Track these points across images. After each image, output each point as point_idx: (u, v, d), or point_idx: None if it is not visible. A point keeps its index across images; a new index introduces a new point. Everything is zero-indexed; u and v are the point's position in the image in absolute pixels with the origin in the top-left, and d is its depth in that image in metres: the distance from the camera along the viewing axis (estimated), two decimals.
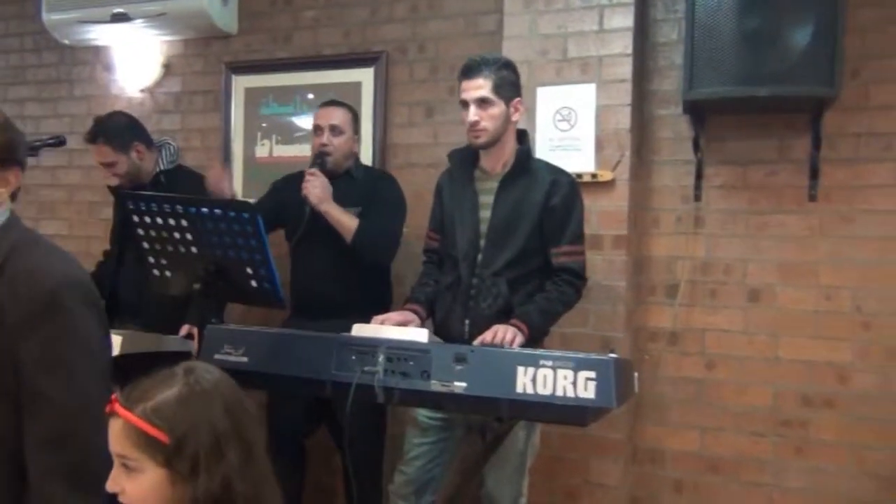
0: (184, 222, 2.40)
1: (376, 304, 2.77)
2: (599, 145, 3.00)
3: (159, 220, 2.44)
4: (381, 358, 1.93)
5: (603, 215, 3.00)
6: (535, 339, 2.33)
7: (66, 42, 4.18)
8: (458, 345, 1.96)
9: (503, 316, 2.35)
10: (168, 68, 4.06)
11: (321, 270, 2.99)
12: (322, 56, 3.70)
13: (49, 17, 4.05)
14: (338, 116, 3.02)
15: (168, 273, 2.55)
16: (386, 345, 1.94)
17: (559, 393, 1.79)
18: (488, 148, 2.42)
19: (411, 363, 1.89)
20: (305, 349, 2.04)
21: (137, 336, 2.69)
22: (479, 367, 1.83)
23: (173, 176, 3.20)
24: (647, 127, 3.14)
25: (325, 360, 1.99)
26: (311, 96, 3.68)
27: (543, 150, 3.05)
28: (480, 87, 2.35)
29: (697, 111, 2.95)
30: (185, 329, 2.85)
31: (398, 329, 2.05)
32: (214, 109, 3.95)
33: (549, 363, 1.79)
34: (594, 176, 2.98)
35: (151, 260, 2.55)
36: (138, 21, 3.85)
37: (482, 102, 2.35)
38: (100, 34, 4.03)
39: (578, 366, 1.81)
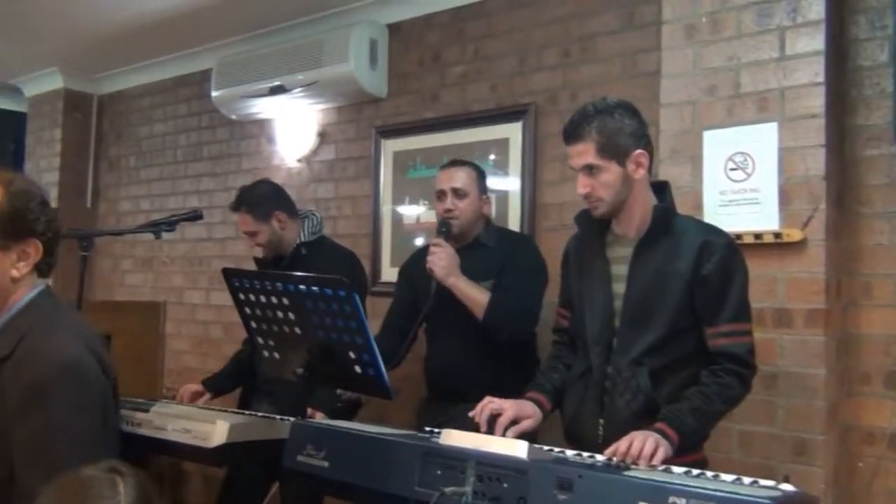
0: (285, 300, 2.19)
1: (520, 384, 2.37)
2: (785, 198, 2.42)
3: (262, 299, 2.25)
4: (470, 475, 1.54)
5: (792, 284, 2.40)
6: (686, 447, 1.81)
7: (234, 117, 4.30)
8: (564, 464, 1.51)
9: (645, 416, 1.86)
10: (323, 137, 4.02)
11: (452, 350, 2.67)
12: (468, 113, 3.45)
13: (217, 94, 4.18)
14: (460, 178, 2.71)
15: (276, 355, 2.35)
16: (477, 459, 1.55)
17: None
18: (612, 217, 1.99)
19: (505, 485, 1.48)
20: (389, 457, 1.70)
21: (250, 422, 2.50)
22: (587, 498, 1.38)
23: (315, 248, 3.05)
24: (850, 172, 2.50)
25: (409, 473, 1.63)
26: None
27: (712, 207, 2.52)
28: (582, 153, 1.93)
29: None
30: (308, 413, 2.63)
31: (495, 440, 1.64)
32: (365, 176, 3.83)
33: (683, 501, 1.29)
34: (778, 236, 2.40)
35: (260, 341, 2.37)
36: (294, 91, 3.86)
37: (589, 171, 1.94)
38: (261, 107, 4.10)
39: None
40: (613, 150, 1.91)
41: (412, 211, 3.63)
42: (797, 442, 2.36)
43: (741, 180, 2.49)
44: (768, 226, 2.42)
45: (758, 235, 2.42)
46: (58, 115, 5.20)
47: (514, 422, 1.93)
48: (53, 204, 5.13)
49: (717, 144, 2.54)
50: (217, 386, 3.04)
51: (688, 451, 1.83)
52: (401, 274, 2.97)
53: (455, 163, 2.79)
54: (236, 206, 3.03)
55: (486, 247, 2.70)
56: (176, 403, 2.92)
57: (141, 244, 4.89)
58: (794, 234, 2.37)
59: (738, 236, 2.35)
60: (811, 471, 2.34)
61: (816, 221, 2.36)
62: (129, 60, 4.88)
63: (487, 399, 1.97)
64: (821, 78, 2.38)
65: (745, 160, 2.49)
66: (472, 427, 1.97)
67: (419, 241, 3.50)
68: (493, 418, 1.94)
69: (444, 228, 2.65)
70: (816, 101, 2.39)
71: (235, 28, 4.17)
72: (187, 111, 4.74)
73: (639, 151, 1.94)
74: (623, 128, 1.93)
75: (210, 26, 4.16)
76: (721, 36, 2.56)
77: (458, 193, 2.67)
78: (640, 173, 1.95)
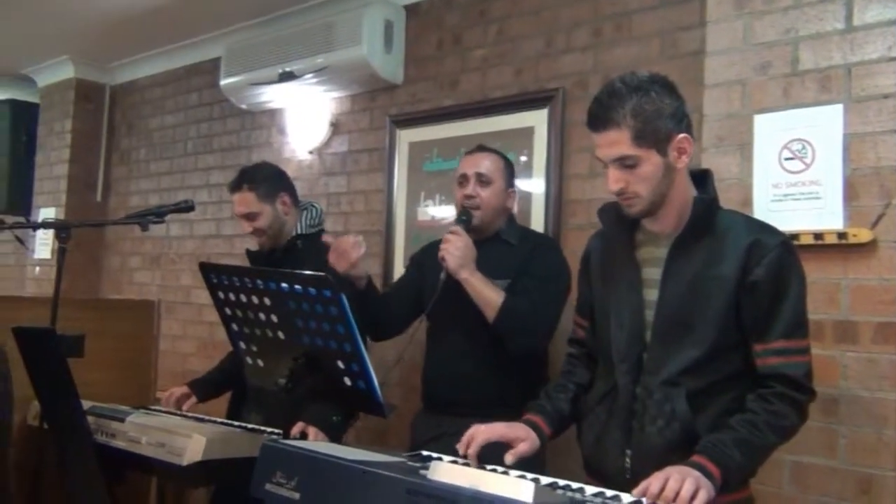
0: (267, 300, 1.92)
1: (525, 403, 2.06)
2: (851, 192, 2.08)
3: (243, 298, 1.99)
4: None
5: (858, 293, 2.05)
6: (730, 486, 1.49)
7: (244, 106, 4.06)
8: None
9: (681, 447, 1.54)
10: (336, 127, 3.75)
11: (455, 354, 2.38)
12: (490, 100, 3.14)
13: (225, 83, 3.95)
14: (486, 164, 2.42)
15: (260, 362, 2.08)
16: (471, 500, 1.24)
17: None
18: (651, 215, 1.66)
19: None
20: (369, 491, 1.40)
21: (232, 437, 2.23)
22: None
23: (312, 242, 2.75)
24: None
25: None
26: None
27: (764, 203, 2.18)
28: (615, 142, 1.58)
29: None
30: (297, 428, 2.33)
31: (494, 477, 1.33)
32: (379, 169, 3.54)
33: None
34: (842, 236, 2.05)
35: (242, 346, 2.11)
36: (305, 78, 3.60)
37: (623, 163, 1.59)
38: (271, 95, 3.85)
39: None
40: (653, 137, 1.57)
41: (428, 206, 3.34)
42: (862, 478, 2.01)
43: (799, 171, 2.15)
44: (831, 224, 2.08)
45: (818, 235, 2.08)
46: (69, 105, 5.02)
47: (509, 446, 1.63)
48: (63, 198, 4.96)
49: (771, 130, 2.20)
50: (204, 389, 2.78)
51: (731, 489, 1.51)
52: (410, 261, 2.68)
53: (482, 148, 2.51)
54: (237, 183, 2.74)
55: (507, 244, 2.40)
56: (161, 410, 2.67)
57: (150, 241, 4.67)
58: (862, 234, 2.02)
59: (795, 236, 2.01)
60: None
61: (889, 220, 2.01)
62: (140, 49, 4.70)
63: (473, 428, 1.67)
64: (895, 52, 2.03)
65: (804, 148, 2.15)
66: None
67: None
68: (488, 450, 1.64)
69: (464, 217, 2.37)
70: (890, 79, 2.03)
71: (245, 12, 3.95)
72: (198, 101, 4.52)
73: (682, 136, 1.60)
74: (662, 108, 1.58)
75: (220, 11, 3.95)
76: (776, 5, 2.22)
77: (481, 180, 2.38)
78: (684, 161, 1.61)
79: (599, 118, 1.60)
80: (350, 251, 2.32)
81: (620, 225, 1.72)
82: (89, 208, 4.99)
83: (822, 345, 2.01)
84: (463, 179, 2.43)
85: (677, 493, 1.37)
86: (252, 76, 3.79)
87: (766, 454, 1.57)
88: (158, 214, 2.61)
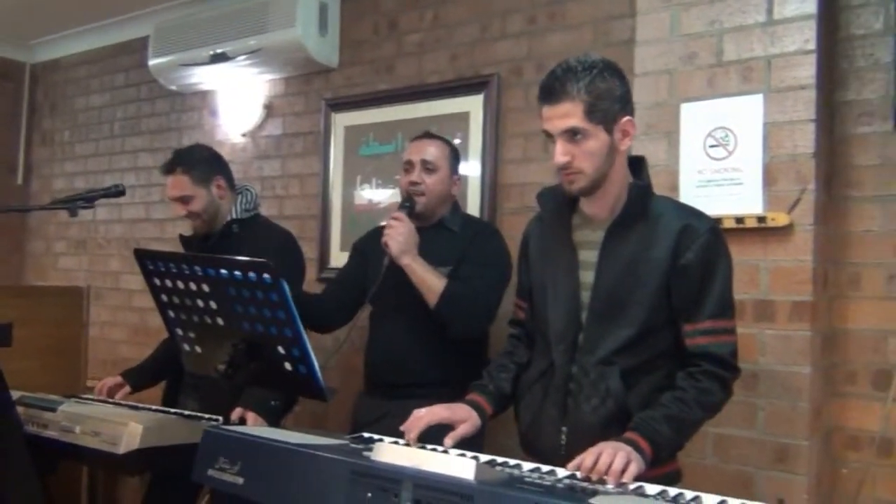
0: (205, 287, 1.90)
1: (467, 383, 2.11)
2: (770, 178, 2.19)
3: (180, 284, 1.96)
4: (406, 499, 1.28)
5: (776, 274, 2.17)
6: (660, 459, 1.57)
7: (174, 87, 3.97)
8: (518, 488, 1.25)
9: (615, 423, 1.61)
10: (270, 110, 3.71)
11: (397, 338, 2.41)
12: (426, 84, 3.16)
13: (154, 63, 3.85)
14: (431, 151, 2.44)
15: (198, 348, 2.06)
16: (415, 480, 1.28)
17: None
18: (589, 194, 1.72)
19: None
20: (312, 474, 1.42)
21: (169, 424, 2.21)
22: None
23: (247, 226, 2.73)
24: (841, 151, 2.28)
25: (335, 494, 1.36)
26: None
27: (689, 188, 2.28)
28: (567, 114, 1.62)
29: None
30: (235, 413, 2.33)
31: (436, 456, 1.38)
32: (314, 152, 3.53)
33: None
34: (762, 220, 2.17)
35: (179, 332, 2.08)
36: (238, 59, 3.54)
37: (572, 135, 1.64)
38: (203, 77, 3.78)
39: None
40: (602, 114, 1.63)
41: (364, 190, 3.35)
42: (778, 447, 2.14)
43: (722, 158, 2.26)
44: (751, 209, 2.19)
45: (739, 219, 2.19)
46: None
47: (451, 427, 1.68)
48: None
49: (696, 118, 2.30)
50: (138, 379, 2.73)
51: (661, 462, 1.59)
52: (354, 248, 2.70)
53: (429, 135, 2.53)
54: (171, 166, 2.67)
55: (449, 231, 2.44)
56: (94, 399, 2.62)
57: (76, 225, 4.53)
58: (780, 219, 2.14)
59: (718, 220, 2.10)
60: (793, 479, 2.12)
61: (804, 204, 2.14)
62: (63, 26, 4.53)
63: (414, 413, 1.71)
64: (812, 45, 2.15)
65: (727, 136, 2.25)
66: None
67: (376, 223, 3.22)
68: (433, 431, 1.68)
69: (407, 203, 2.39)
70: (806, 71, 2.15)
71: None
72: (125, 81, 4.39)
73: (627, 118, 1.67)
74: (613, 89, 1.64)
75: None
76: None
77: (427, 167, 2.41)
78: (626, 143, 1.68)
79: (555, 90, 1.64)
80: None
81: (558, 209, 1.78)
82: (9, 192, 4.81)
83: (743, 323, 2.11)
84: (409, 166, 2.45)
85: (610, 466, 1.44)
86: (182, 56, 3.71)
87: (695, 429, 1.67)
88: (88, 200, 2.53)
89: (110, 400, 2.62)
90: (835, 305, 2.27)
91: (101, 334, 4.24)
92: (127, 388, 2.68)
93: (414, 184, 2.42)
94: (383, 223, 2.40)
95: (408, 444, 1.66)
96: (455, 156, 2.52)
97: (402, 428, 1.70)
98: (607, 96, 1.63)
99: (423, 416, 1.70)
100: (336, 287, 2.61)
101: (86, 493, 3.33)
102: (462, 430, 1.71)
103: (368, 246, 2.57)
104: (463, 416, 1.73)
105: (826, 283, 2.24)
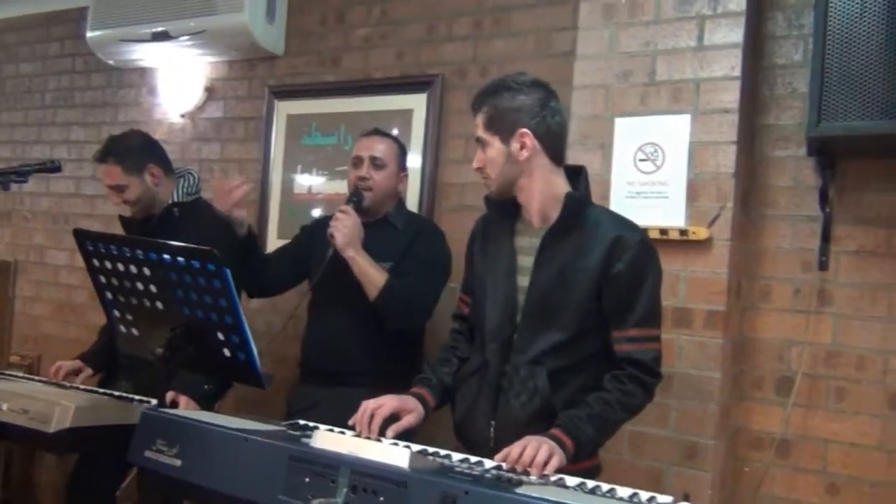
0: (146, 270, 1.93)
1: (404, 375, 2.19)
2: (693, 193, 2.34)
3: (120, 267, 1.98)
4: (343, 485, 1.35)
5: (694, 284, 2.32)
6: (582, 456, 1.69)
7: (112, 63, 3.89)
8: (449, 476, 1.35)
9: (541, 419, 1.72)
10: (211, 92, 3.69)
11: (336, 327, 2.48)
12: (371, 79, 3.21)
13: (92, 35, 3.77)
14: (381, 148, 2.52)
15: (135, 331, 2.08)
16: (351, 467, 1.36)
17: None
18: (503, 197, 1.87)
19: (382, 499, 1.30)
20: (251, 458, 1.48)
21: (100, 404, 2.22)
22: None
23: (189, 210, 2.74)
24: (758, 171, 2.45)
25: (273, 479, 1.43)
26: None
27: (619, 198, 2.42)
28: (477, 124, 1.84)
29: (827, 153, 2.26)
30: (168, 396, 2.35)
31: (373, 445, 1.46)
32: (255, 138, 3.53)
33: None
34: (684, 233, 2.31)
35: (116, 314, 2.10)
36: (181, 39, 3.51)
37: (480, 144, 1.84)
38: (143, 54, 3.72)
39: None
40: (498, 126, 1.79)
41: (305, 180, 3.38)
42: (688, 445, 2.30)
43: (650, 172, 2.39)
44: (675, 222, 2.34)
45: (664, 231, 2.33)
46: None
47: (395, 418, 1.76)
48: None
49: (629, 133, 2.43)
50: (98, 360, 2.72)
51: (580, 459, 1.71)
52: (301, 229, 2.75)
53: (378, 132, 2.61)
54: (103, 156, 2.67)
55: (393, 227, 2.52)
56: (17, 376, 2.59)
57: None
58: (700, 233, 2.29)
59: (644, 230, 2.24)
60: (699, 475, 2.28)
61: (723, 221, 2.29)
62: None
63: (364, 404, 1.78)
64: (737, 72, 2.30)
65: (656, 151, 2.39)
66: (346, 413, 1.80)
67: (315, 213, 3.25)
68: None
69: (355, 198, 2.46)
70: (731, 96, 2.31)
71: None
72: (59, 52, 4.27)
73: (523, 130, 1.78)
74: (518, 105, 1.79)
75: None
76: (639, 19, 2.44)
77: (375, 163, 2.49)
78: (524, 154, 1.79)
79: (474, 103, 1.86)
80: (234, 191, 2.36)
81: (503, 213, 1.89)
82: None
83: (662, 328, 2.25)
84: (357, 161, 2.51)
85: (533, 459, 1.54)
86: (123, 31, 3.64)
87: (616, 428, 1.79)
88: (20, 174, 2.49)
89: (35, 378, 2.60)
90: (746, 315, 2.44)
91: (23, 310, 4.13)
92: (89, 371, 2.67)
93: (362, 179, 2.49)
94: (318, 213, 2.46)
95: (342, 432, 1.73)
96: (403, 154, 2.60)
97: (351, 422, 1.77)
98: (508, 111, 1.78)
99: (377, 408, 1.76)
100: (276, 257, 2.68)
101: (0, 472, 3.27)
102: (406, 422, 1.79)
103: (316, 230, 2.63)
104: (411, 407, 1.82)
105: (739, 294, 2.41)
